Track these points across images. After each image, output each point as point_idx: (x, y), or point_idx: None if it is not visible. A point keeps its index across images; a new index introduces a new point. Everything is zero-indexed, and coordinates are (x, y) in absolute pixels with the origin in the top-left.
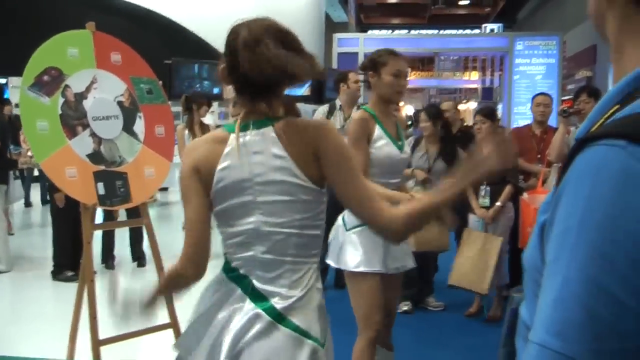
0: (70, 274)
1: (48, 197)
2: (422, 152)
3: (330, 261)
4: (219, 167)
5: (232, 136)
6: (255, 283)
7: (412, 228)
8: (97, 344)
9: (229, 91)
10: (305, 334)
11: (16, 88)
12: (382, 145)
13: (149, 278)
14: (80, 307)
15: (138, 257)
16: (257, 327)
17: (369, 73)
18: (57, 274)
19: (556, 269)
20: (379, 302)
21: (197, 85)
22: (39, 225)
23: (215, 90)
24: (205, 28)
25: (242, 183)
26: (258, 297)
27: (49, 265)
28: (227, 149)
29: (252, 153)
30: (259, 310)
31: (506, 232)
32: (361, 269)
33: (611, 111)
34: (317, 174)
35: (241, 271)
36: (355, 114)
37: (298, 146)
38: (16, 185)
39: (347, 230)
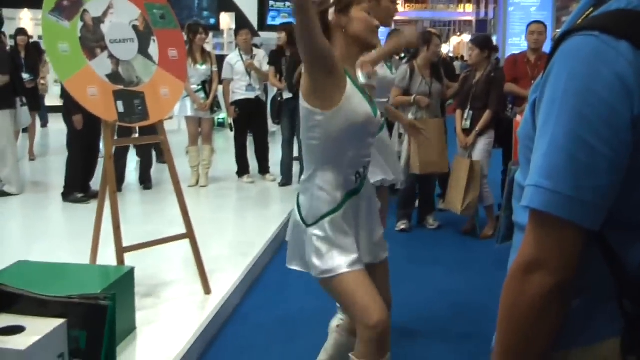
0: (80, 195)
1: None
2: (420, 78)
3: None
4: None
5: None
6: None
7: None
8: (121, 251)
9: (226, 23)
10: (299, 211)
11: (10, 20)
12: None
13: (157, 199)
14: (101, 219)
15: (145, 180)
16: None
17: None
18: (68, 195)
19: (546, 130)
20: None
21: (195, 16)
22: (42, 152)
23: (212, 21)
24: None
25: None
26: None
27: (58, 189)
28: None
29: None
30: None
31: (485, 156)
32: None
33: (587, 13)
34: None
35: None
36: None
37: None
38: (23, 112)
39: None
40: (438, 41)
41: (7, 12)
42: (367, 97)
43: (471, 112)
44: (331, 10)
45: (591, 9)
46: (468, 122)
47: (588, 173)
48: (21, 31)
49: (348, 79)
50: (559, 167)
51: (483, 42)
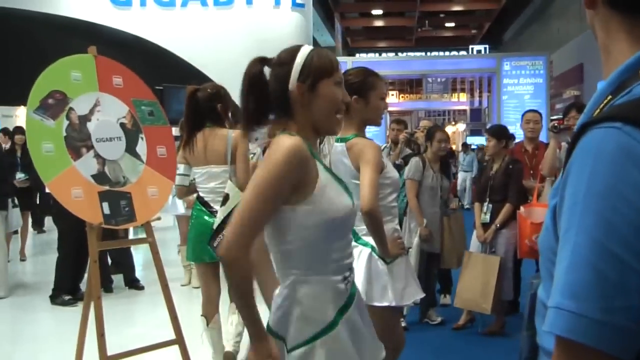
0: (67, 298)
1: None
2: (431, 172)
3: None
4: None
5: None
6: None
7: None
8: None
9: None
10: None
11: (7, 117)
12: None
13: (148, 300)
14: (86, 325)
15: (130, 280)
16: None
17: (354, 97)
18: (56, 297)
19: (567, 238)
20: None
21: None
22: (35, 252)
23: None
24: (193, 53)
25: None
26: None
27: (47, 291)
28: None
29: None
30: None
31: (508, 250)
32: (403, 302)
33: (605, 101)
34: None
35: None
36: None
37: None
38: (14, 214)
39: (387, 263)
40: (443, 135)
41: (4, 110)
42: (343, 185)
43: (490, 206)
44: (293, 78)
45: (609, 97)
46: (487, 216)
47: (618, 292)
48: (19, 129)
49: (319, 165)
50: (583, 284)
51: (499, 132)
